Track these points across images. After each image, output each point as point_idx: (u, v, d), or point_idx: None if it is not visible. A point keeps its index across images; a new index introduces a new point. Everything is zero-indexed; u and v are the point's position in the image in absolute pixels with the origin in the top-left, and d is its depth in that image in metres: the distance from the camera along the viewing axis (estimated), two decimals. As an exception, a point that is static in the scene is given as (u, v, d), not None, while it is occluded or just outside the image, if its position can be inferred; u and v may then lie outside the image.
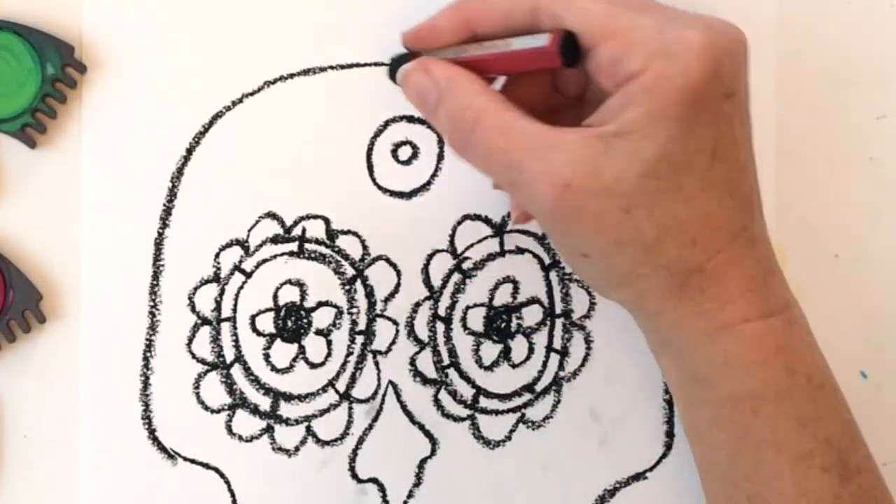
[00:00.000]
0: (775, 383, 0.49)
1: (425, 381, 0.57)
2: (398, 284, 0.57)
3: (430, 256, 0.57)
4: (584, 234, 0.48)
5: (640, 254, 0.48)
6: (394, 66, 0.52)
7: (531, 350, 0.58)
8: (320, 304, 0.56)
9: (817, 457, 0.49)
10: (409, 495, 0.57)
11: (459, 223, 0.57)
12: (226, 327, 0.56)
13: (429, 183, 0.57)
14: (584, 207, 0.47)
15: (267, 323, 0.56)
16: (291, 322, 0.56)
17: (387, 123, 0.56)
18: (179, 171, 0.55)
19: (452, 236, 0.57)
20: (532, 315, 0.58)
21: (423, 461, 0.57)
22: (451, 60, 0.51)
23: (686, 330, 0.49)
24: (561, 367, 0.58)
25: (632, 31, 0.47)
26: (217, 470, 0.56)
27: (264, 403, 0.56)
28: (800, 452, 0.49)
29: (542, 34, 0.48)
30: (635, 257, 0.48)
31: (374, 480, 0.57)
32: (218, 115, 0.55)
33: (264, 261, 0.56)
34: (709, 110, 0.47)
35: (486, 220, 0.57)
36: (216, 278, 0.56)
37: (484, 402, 0.58)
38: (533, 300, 0.58)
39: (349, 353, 0.56)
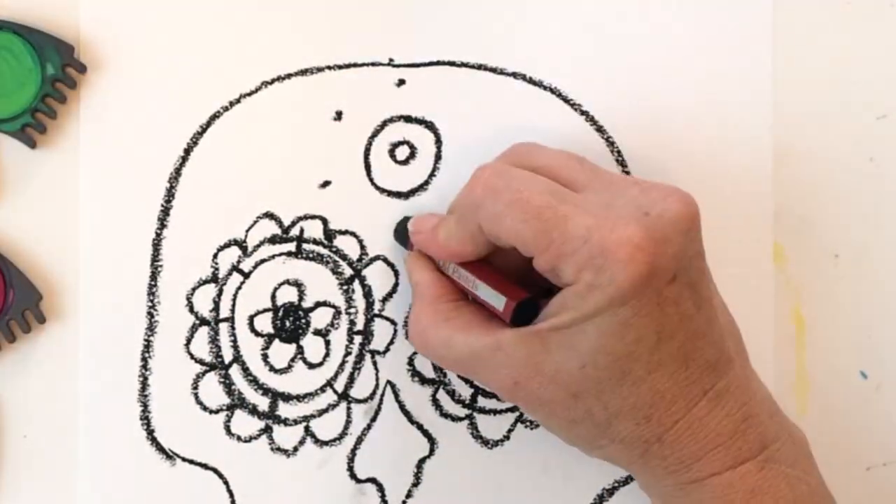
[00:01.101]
0: None
1: (423, 380, 0.57)
2: (396, 284, 0.57)
3: (428, 256, 0.57)
4: (541, 415, 0.51)
5: (594, 430, 0.50)
6: (399, 228, 0.56)
7: (529, 350, 0.58)
8: (318, 305, 0.56)
9: None
10: (408, 495, 0.57)
11: (458, 223, 0.57)
12: (224, 328, 0.56)
13: (426, 183, 0.57)
14: (535, 396, 0.50)
15: (265, 323, 0.56)
16: (290, 322, 0.56)
17: (384, 123, 0.56)
18: (177, 172, 0.55)
19: (451, 236, 0.57)
20: (531, 315, 0.58)
21: (422, 461, 0.57)
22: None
23: (659, 483, 0.51)
24: (559, 367, 0.58)
25: (562, 244, 0.48)
26: (216, 470, 0.56)
27: (263, 404, 0.56)
28: None
29: (501, 298, 0.51)
30: (591, 433, 0.50)
31: (372, 480, 0.57)
32: (216, 116, 0.55)
33: (262, 261, 0.56)
34: (647, 303, 0.48)
35: (485, 221, 0.57)
36: (214, 279, 0.56)
37: (482, 401, 0.57)
38: (532, 300, 0.58)
39: (347, 353, 0.56)
